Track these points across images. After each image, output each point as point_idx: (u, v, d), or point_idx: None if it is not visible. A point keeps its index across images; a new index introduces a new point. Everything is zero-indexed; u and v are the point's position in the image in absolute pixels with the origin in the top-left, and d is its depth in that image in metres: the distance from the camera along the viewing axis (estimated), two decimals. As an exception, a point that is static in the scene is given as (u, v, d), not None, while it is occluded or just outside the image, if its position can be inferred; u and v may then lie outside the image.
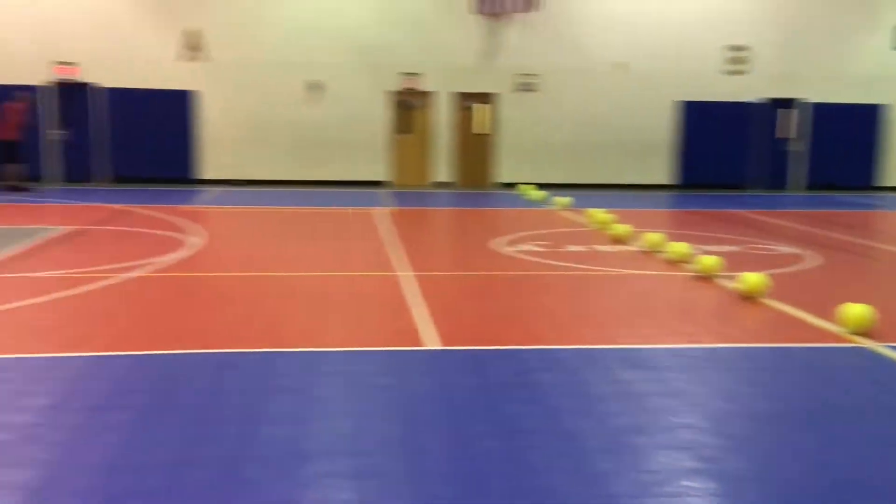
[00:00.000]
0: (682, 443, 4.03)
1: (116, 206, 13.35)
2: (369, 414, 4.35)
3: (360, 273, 8.28)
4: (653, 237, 9.79)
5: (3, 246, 9.16)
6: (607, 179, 19.00)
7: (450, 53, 18.37)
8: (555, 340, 5.87)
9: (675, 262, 8.97)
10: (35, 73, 17.09)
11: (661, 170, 19.26)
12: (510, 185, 18.41)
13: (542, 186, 17.31)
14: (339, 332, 6.02)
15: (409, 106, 18.76)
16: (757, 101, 18.99)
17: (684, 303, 7.25)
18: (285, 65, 17.94)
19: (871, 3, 18.85)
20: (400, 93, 18.58)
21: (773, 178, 19.20)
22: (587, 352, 5.62)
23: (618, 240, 10.58)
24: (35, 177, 16.66)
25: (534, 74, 18.66)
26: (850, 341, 5.93)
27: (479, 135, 19.02)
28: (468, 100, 18.87)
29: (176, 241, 9.86)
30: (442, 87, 18.59)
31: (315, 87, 18.04)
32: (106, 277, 7.61)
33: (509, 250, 9.72)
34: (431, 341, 5.74)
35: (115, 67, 17.39)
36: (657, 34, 18.63)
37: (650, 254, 9.59)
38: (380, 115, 18.53)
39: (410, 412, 4.38)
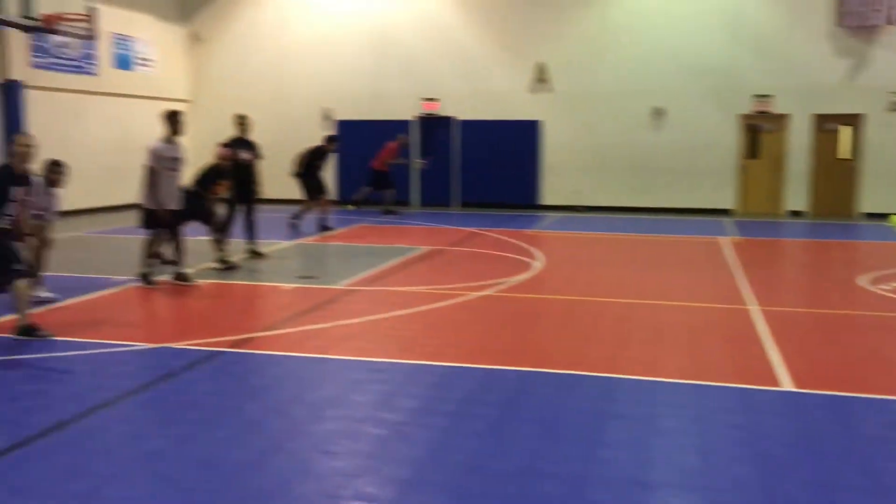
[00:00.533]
0: None
1: (467, 230, 14.45)
2: (718, 451, 4.21)
3: (705, 304, 8.02)
4: None
5: (377, 263, 10.40)
6: None
7: (806, 73, 17.05)
8: (935, 394, 5.16)
9: None
10: (407, 109, 19.19)
11: None
12: (877, 216, 16.50)
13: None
14: (682, 363, 5.90)
15: (759, 130, 17.75)
16: None
17: None
18: (628, 92, 18.05)
19: None
20: (750, 116, 17.66)
21: None
22: (979, 411, 4.85)
23: None
24: (401, 201, 18.66)
25: (910, 91, 16.58)
26: None
27: (840, 160, 17.35)
28: (828, 122, 17.33)
29: (521, 264, 10.40)
30: (796, 108, 17.30)
31: (658, 113, 17.87)
32: (460, 294, 8.28)
33: (877, 288, 8.74)
34: (784, 381, 5.38)
35: (469, 101, 18.89)
36: None
37: None
38: (727, 141, 17.78)
39: (766, 455, 4.15)
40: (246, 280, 9.25)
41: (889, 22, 16.21)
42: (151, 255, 8.81)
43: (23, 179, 6.63)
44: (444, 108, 19.09)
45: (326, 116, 16.92)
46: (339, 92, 19.53)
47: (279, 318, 7.22)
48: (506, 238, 13.16)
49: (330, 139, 14.42)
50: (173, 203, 8.68)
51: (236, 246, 10.61)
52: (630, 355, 6.11)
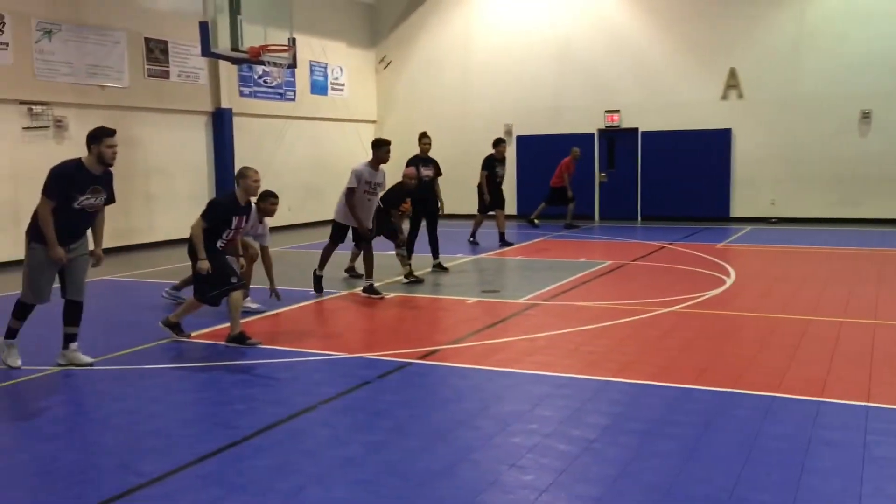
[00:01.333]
0: None
1: (653, 243, 14.03)
2: (944, 487, 3.80)
3: (922, 324, 7.30)
4: None
5: (559, 277, 10.35)
6: None
7: None
8: None
9: None
10: (590, 122, 19.00)
11: None
12: None
13: None
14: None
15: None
16: None
17: None
18: (829, 96, 16.82)
19: None
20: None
21: None
22: None
23: None
24: (582, 215, 18.45)
25: None
26: None
27: None
28: None
29: (711, 279, 9.95)
30: None
31: (865, 118, 16.51)
32: (648, 310, 8.04)
33: None
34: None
35: (653, 112, 18.38)
36: None
37: None
38: (944, 144, 16.13)
39: None
40: (431, 294, 9.51)
41: None
42: (323, 263, 9.46)
43: (244, 209, 7.12)
44: (627, 120, 18.73)
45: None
46: (521, 107, 19.69)
47: (464, 331, 7.35)
48: (694, 252, 12.66)
49: (496, 142, 14.09)
50: (368, 222, 9.14)
51: (421, 260, 10.94)
52: (837, 377, 5.67)
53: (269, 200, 8.09)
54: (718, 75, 17.84)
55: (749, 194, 17.85)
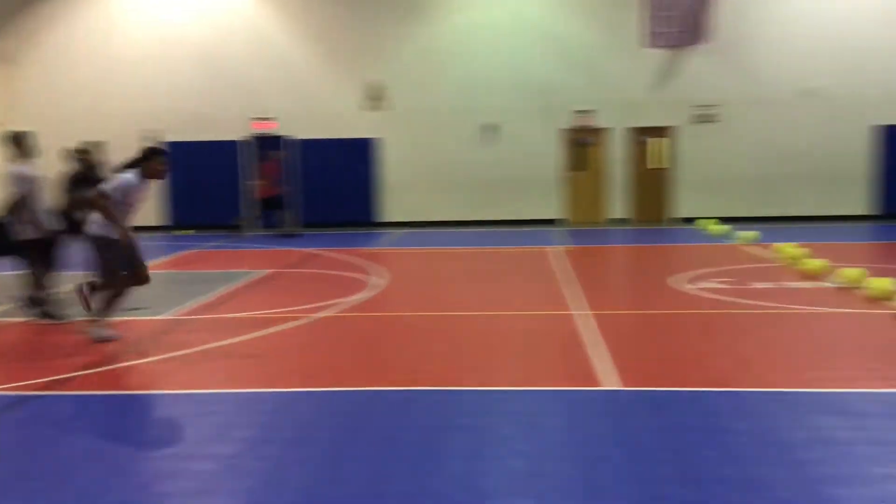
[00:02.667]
0: (889, 495, 3.70)
1: (306, 251, 14.22)
2: (547, 454, 4.34)
3: (537, 312, 8.30)
4: (851, 272, 9.11)
5: (209, 289, 10.00)
6: (795, 211, 17.91)
7: (623, 89, 18.17)
8: (742, 383, 5.59)
9: (877, 300, 8.29)
10: (239, 128, 18.69)
11: (856, 199, 17.91)
12: (689, 220, 17.80)
13: (723, 220, 16.61)
14: (516, 371, 6.06)
15: (582, 143, 18.70)
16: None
17: (888, 344, 6.67)
18: (463, 109, 18.50)
19: None
20: (573, 130, 18.59)
21: None
22: (778, 395, 5.30)
23: (810, 275, 9.93)
24: (235, 224, 18.12)
25: (712, 105, 18.06)
26: None
27: (655, 169, 18.60)
28: (643, 134, 18.54)
29: (360, 283, 10.35)
30: (616, 122, 18.40)
31: (489, 130, 18.45)
32: (297, 318, 8.11)
33: (691, 288, 9.39)
34: (610, 381, 5.65)
35: (305, 120, 18.70)
36: (847, 59, 17.48)
37: (847, 290, 8.93)
38: (554, 154, 18.61)
39: (590, 453, 4.32)
40: (38, 319, 8.61)
41: (688, 42, 17.53)
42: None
43: None
44: (283, 128, 18.80)
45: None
46: (166, 111, 18.75)
47: (97, 357, 6.77)
48: (346, 257, 13.07)
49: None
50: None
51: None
52: (468, 366, 6.21)
53: None
54: (365, 86, 18.67)
55: (399, 200, 18.94)
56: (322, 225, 18.61)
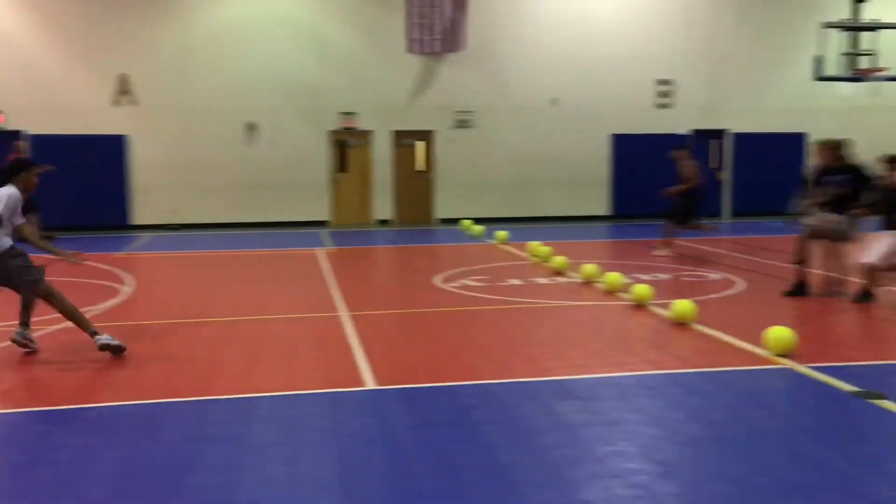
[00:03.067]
0: (615, 471, 4.10)
1: (44, 256, 13.00)
2: (305, 458, 4.33)
3: (299, 315, 8.24)
4: (589, 268, 9.98)
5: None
6: (546, 212, 19.28)
7: (386, 93, 18.54)
8: (491, 375, 5.93)
9: (610, 292, 9.16)
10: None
11: (598, 201, 19.64)
12: (451, 221, 18.56)
13: (482, 221, 17.49)
14: (276, 376, 5.97)
15: (347, 145, 18.84)
16: (685, 133, 19.58)
17: (618, 331, 7.40)
18: (220, 108, 17.88)
19: (791, 36, 19.64)
20: (338, 132, 18.66)
21: (705, 207, 19.68)
22: (523, 385, 5.68)
23: (555, 272, 10.75)
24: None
25: (470, 111, 18.94)
26: (775, 363, 6.12)
27: (417, 171, 19.18)
28: (406, 137, 19.04)
29: (108, 289, 9.67)
30: (379, 125, 18.73)
31: (251, 129, 18.02)
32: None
33: (448, 286, 9.79)
34: (369, 381, 5.74)
35: (42, 114, 17.11)
36: (589, 71, 19.10)
37: (587, 284, 9.77)
38: (319, 156, 18.56)
39: (348, 454, 4.37)
40: None
41: (446, 51, 18.29)
42: None
43: None
44: (14, 122, 17.03)
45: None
46: None
47: None
48: (93, 263, 12.13)
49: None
50: None
51: None
52: (226, 374, 6.02)
53: None
54: (109, 80, 17.46)
55: (149, 202, 17.90)
56: (67, 228, 17.13)
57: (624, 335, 7.25)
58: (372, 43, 18.45)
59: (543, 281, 10.18)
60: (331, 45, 18.31)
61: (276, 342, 7.03)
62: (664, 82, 19.51)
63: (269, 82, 18.03)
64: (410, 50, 18.18)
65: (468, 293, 9.30)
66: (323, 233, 16.99)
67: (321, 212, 18.66)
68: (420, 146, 19.15)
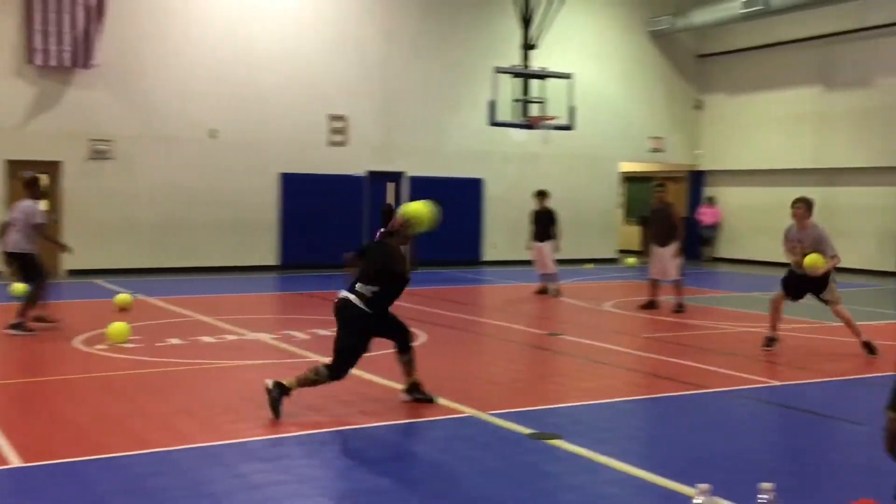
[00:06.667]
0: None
1: None
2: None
3: None
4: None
5: None
6: (205, 262, 19.37)
7: (-1, 113, 17.61)
8: (165, 442, 6.27)
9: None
10: None
11: (266, 249, 20.17)
12: (83, 273, 17.90)
13: (124, 273, 17.18)
14: None
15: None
16: (360, 175, 21.04)
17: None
18: None
19: (467, 79, 22.12)
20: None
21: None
22: (203, 450, 6.11)
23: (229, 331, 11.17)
24: None
25: (108, 140, 18.54)
26: (460, 412, 7.23)
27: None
28: (24, 168, 18.13)
29: None
30: (-11, 152, 17.67)
31: None
32: None
33: (92, 349, 9.79)
34: (13, 458, 5.77)
35: None
36: (254, 101, 19.75)
37: (258, 342, 10.37)
38: None
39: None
40: None
41: (77, 64, 17.88)
42: None
43: None
44: None
45: None
46: None
47: None
48: None
49: None
50: None
51: None
52: None
53: None
54: None
55: None
56: None
57: (308, 392, 7.95)
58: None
59: (209, 339, 10.56)
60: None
61: None
62: (338, 118, 20.88)
63: None
64: (31, 61, 17.56)
65: (124, 356, 9.40)
66: None
67: None
68: (43, 179, 18.36)
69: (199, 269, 19.27)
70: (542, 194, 16.35)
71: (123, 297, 13.22)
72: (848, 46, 22.01)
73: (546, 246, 15.94)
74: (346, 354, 7.14)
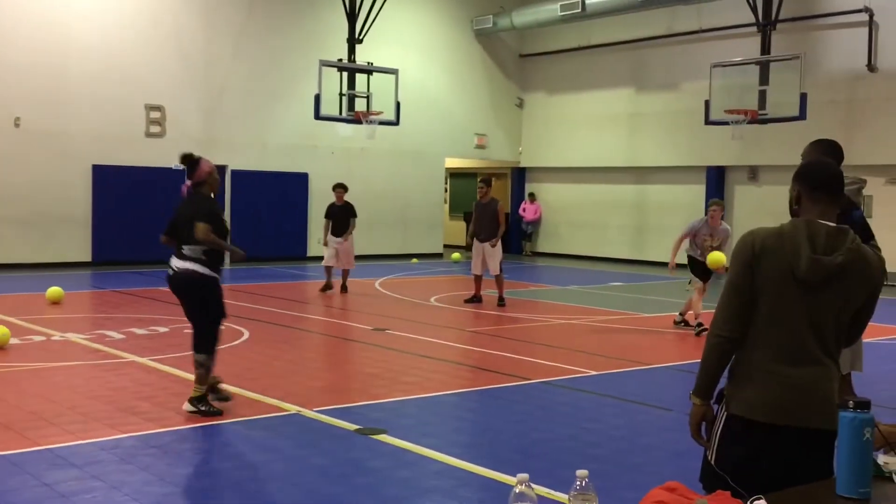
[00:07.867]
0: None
1: None
2: None
3: None
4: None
5: None
6: (7, 258, 18.28)
7: None
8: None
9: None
10: None
11: (77, 245, 19.21)
12: None
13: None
14: None
15: None
16: (179, 167, 20.33)
17: (114, 391, 7.74)
18: None
19: (290, 72, 21.80)
20: None
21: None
22: (8, 458, 5.76)
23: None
24: None
25: None
26: (285, 410, 7.14)
27: None
28: None
29: None
30: None
31: None
32: None
33: None
34: None
35: None
36: (62, 89, 18.74)
37: (70, 343, 9.86)
38: None
39: None
40: None
41: None
42: None
43: None
44: None
45: None
46: None
47: None
48: None
49: None
50: None
51: None
52: None
53: None
54: None
55: None
56: None
57: (121, 394, 7.63)
58: None
59: (14, 341, 9.96)
60: None
61: None
62: (155, 108, 20.12)
63: None
64: None
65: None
66: None
67: None
68: None
69: (1, 265, 18.11)
70: (341, 187, 15.42)
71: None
72: (657, 51, 23.18)
73: (348, 242, 15.33)
74: (214, 327, 7.06)
